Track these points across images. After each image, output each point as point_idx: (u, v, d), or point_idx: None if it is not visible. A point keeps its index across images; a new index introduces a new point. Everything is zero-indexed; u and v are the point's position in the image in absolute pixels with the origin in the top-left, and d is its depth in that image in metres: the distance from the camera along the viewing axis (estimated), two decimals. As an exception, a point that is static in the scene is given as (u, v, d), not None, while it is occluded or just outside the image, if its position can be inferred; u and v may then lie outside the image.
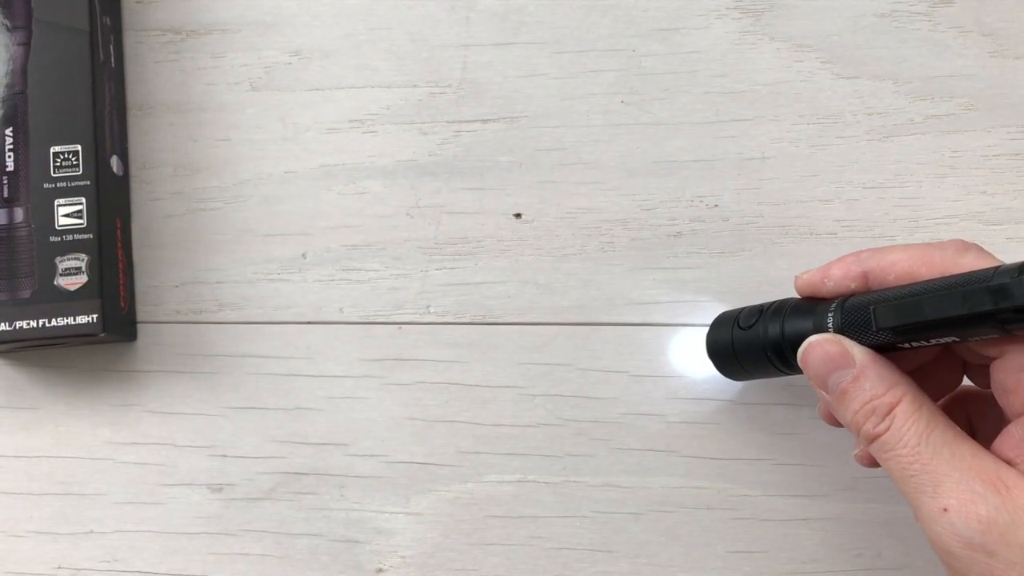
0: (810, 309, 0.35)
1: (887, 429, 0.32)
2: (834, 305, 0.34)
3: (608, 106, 0.46)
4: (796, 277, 0.36)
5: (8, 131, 0.43)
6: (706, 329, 0.41)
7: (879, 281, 0.34)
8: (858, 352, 0.33)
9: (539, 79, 0.46)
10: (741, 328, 0.38)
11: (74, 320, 0.42)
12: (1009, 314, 0.29)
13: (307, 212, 0.46)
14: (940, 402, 0.36)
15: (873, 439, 0.32)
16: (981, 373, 0.35)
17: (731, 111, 0.46)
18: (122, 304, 0.44)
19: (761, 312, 0.38)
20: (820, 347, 0.33)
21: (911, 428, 0.31)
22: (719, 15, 0.46)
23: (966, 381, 0.37)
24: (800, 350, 0.34)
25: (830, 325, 0.34)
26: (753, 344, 0.38)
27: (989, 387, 0.35)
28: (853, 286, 0.34)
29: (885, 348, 0.33)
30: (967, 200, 0.45)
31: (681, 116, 0.46)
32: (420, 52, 0.47)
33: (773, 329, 0.36)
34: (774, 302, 0.38)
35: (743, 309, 0.39)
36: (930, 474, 0.30)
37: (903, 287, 0.32)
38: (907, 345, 0.32)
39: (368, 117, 0.46)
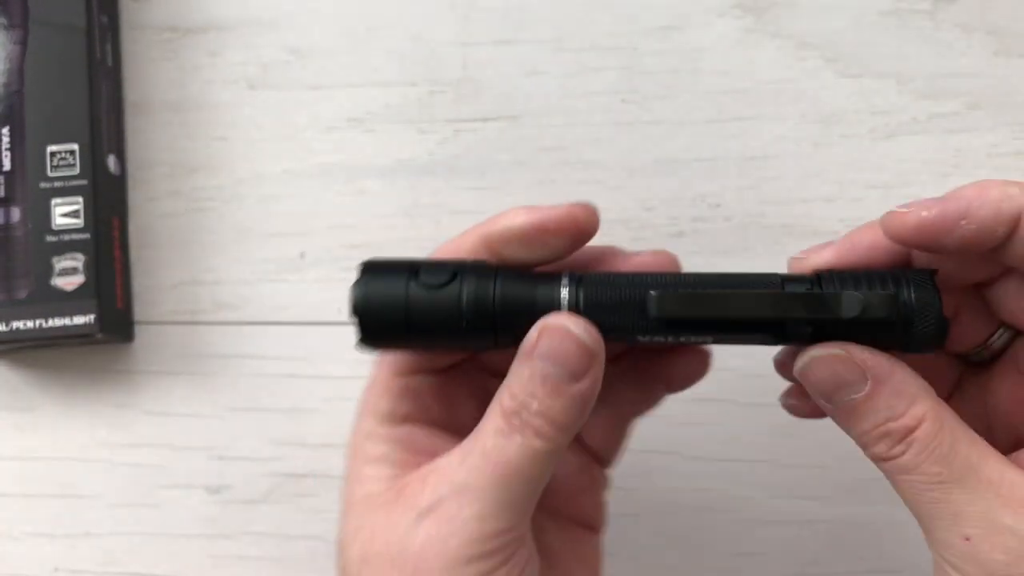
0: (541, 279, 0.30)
1: (902, 454, 0.28)
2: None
3: (609, 105, 0.46)
4: (890, 214, 0.29)
5: (4, 130, 0.42)
6: None
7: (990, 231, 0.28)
8: (873, 362, 0.28)
9: (539, 77, 0.46)
10: (426, 286, 0.30)
11: (71, 320, 0.41)
12: None
13: (305, 212, 0.45)
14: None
15: (885, 460, 0.29)
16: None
17: (733, 110, 0.45)
18: (119, 304, 0.44)
19: (455, 274, 0.30)
20: (827, 365, 0.29)
21: (931, 454, 0.28)
22: (721, 13, 0.46)
23: None
24: (800, 364, 0.29)
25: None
26: (445, 307, 0.30)
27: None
28: (1001, 232, 0.28)
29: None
30: (971, 199, 0.45)
31: (683, 115, 0.45)
32: (420, 50, 0.46)
33: (485, 291, 0.30)
34: (455, 261, 0.31)
35: (406, 261, 0.31)
36: (951, 503, 0.27)
37: None
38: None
39: (367, 116, 0.46)
